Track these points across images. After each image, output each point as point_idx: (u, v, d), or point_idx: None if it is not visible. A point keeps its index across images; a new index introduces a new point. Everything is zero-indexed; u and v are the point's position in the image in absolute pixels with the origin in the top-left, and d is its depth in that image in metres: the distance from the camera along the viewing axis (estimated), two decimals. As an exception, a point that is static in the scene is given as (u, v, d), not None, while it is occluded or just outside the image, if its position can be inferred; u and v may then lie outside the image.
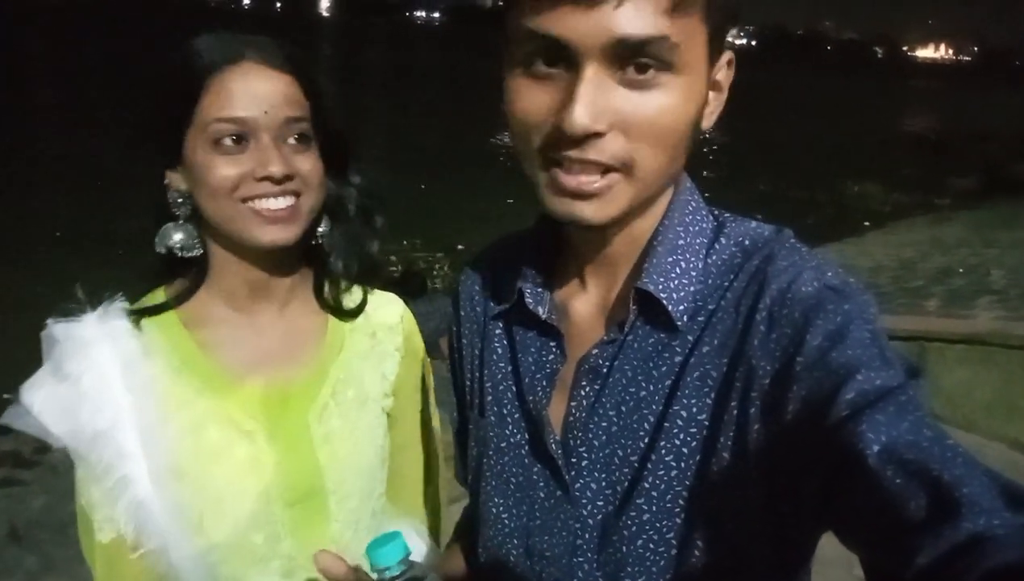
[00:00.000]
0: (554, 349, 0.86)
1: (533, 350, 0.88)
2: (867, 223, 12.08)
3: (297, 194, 1.00)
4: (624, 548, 0.78)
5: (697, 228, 0.81)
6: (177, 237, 1.03)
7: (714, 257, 0.80)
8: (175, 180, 1.03)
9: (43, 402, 0.97)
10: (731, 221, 0.83)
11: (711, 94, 0.76)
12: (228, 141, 0.96)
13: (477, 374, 0.95)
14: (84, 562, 1.06)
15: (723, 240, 0.81)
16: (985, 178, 16.17)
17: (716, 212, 0.85)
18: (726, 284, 0.77)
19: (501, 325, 0.93)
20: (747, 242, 0.79)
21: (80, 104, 15.96)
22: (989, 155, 18.36)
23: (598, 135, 0.69)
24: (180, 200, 1.03)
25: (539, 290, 0.87)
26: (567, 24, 0.67)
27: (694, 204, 0.83)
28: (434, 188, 11.41)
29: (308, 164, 1.01)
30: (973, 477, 0.54)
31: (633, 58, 0.68)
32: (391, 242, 8.13)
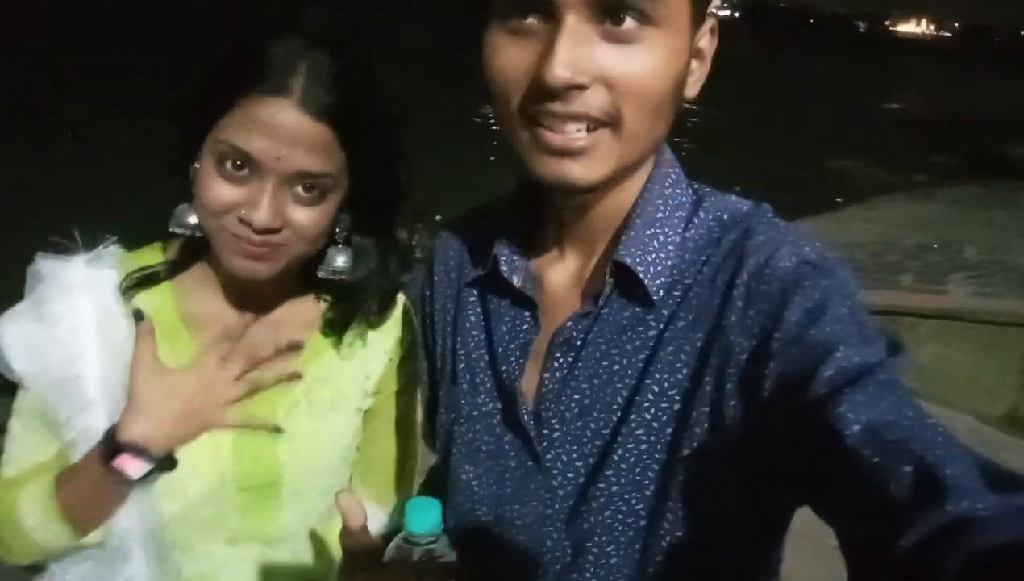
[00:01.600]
0: (528, 319, 0.85)
1: (507, 319, 0.87)
2: (842, 200, 12.15)
3: (283, 244, 0.94)
4: (592, 519, 0.78)
5: (676, 201, 0.81)
6: (192, 219, 0.99)
7: (692, 231, 0.79)
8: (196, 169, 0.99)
9: (13, 337, 0.96)
10: (710, 195, 0.82)
11: (694, 62, 0.75)
12: (230, 166, 0.90)
13: (450, 341, 0.95)
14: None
15: (702, 214, 0.80)
16: (965, 157, 16.28)
17: (695, 186, 0.84)
18: (703, 258, 0.77)
19: (476, 292, 0.92)
20: (725, 216, 0.79)
21: (86, 64, 15.60)
22: (970, 134, 18.48)
23: (580, 88, 0.68)
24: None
25: (515, 258, 0.86)
26: None
27: (674, 177, 0.82)
28: (416, 159, 11.28)
29: (310, 218, 0.94)
30: (955, 457, 0.54)
31: (613, 9, 0.67)
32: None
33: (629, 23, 0.67)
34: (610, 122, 0.70)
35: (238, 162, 0.90)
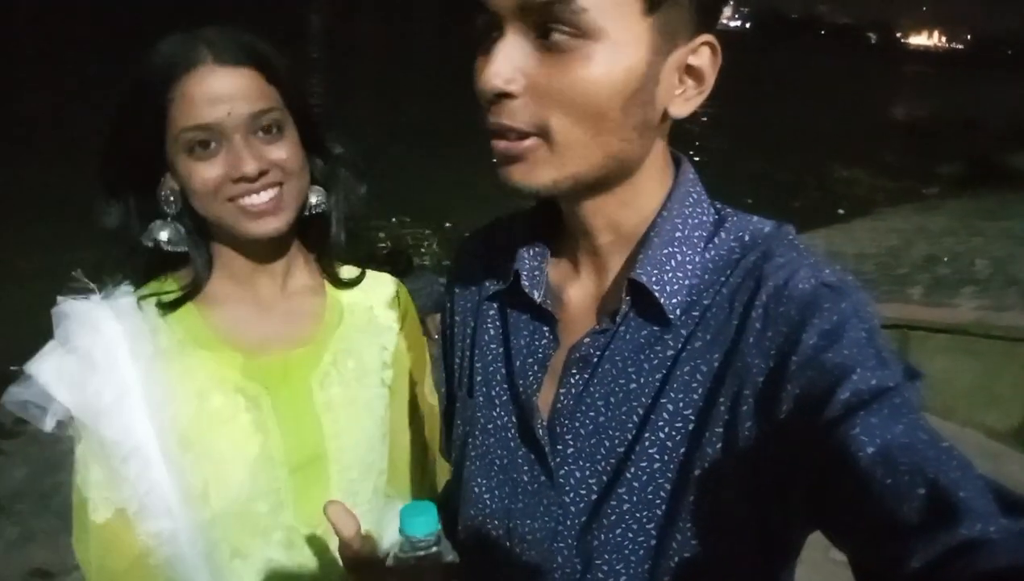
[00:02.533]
0: (547, 334, 0.86)
1: (526, 334, 0.88)
2: (849, 210, 12.12)
3: (279, 184, 1.02)
4: (603, 536, 0.78)
5: (696, 221, 0.80)
6: (164, 234, 1.06)
7: (712, 251, 0.79)
8: (168, 181, 1.05)
9: (51, 373, 0.99)
10: (732, 215, 0.82)
11: (689, 80, 0.74)
12: (199, 148, 0.99)
13: (468, 354, 0.95)
14: (64, 533, 1.06)
15: (723, 234, 0.79)
16: (973, 167, 16.22)
17: (718, 205, 0.83)
18: (722, 279, 0.76)
19: (495, 306, 0.92)
20: (746, 237, 0.78)
21: (65, 77, 15.73)
22: (978, 144, 18.43)
23: (510, 97, 0.70)
24: (172, 199, 1.06)
25: (535, 273, 0.86)
26: None
27: (695, 196, 0.82)
28: (423, 165, 11.34)
29: (284, 152, 1.03)
30: (968, 481, 0.54)
31: (543, 22, 0.68)
32: (379, 218, 8.09)
33: (559, 36, 0.68)
34: (539, 133, 0.71)
35: (203, 140, 0.99)
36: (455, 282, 1.00)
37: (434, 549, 0.78)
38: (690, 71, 0.74)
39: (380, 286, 1.22)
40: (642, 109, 0.73)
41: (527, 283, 0.85)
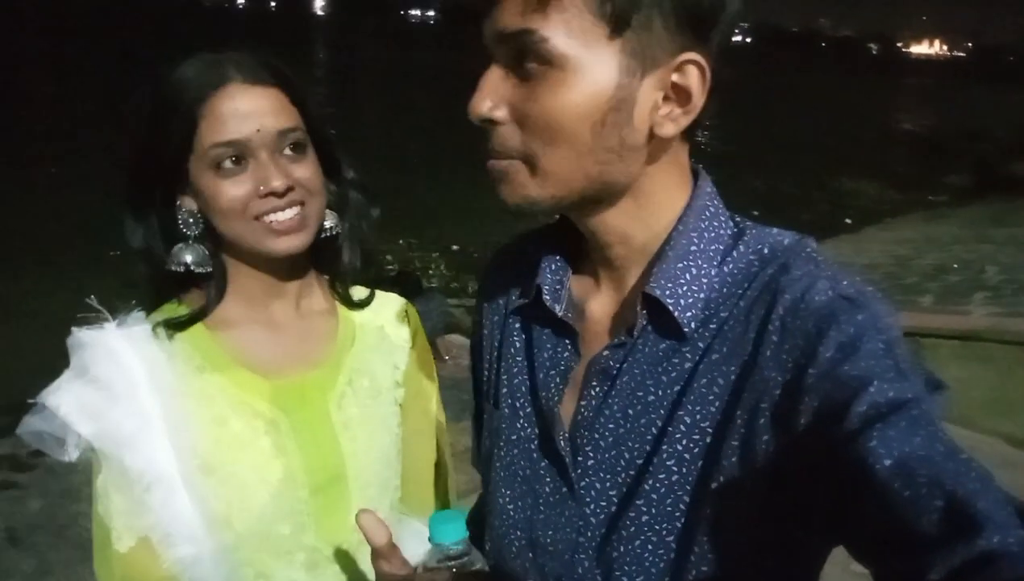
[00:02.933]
0: (569, 347, 0.86)
1: (549, 347, 0.89)
2: (857, 221, 12.10)
3: (302, 202, 1.04)
4: (622, 548, 0.78)
5: (713, 234, 0.81)
6: (188, 257, 1.07)
7: (731, 265, 0.79)
8: (186, 202, 1.07)
9: (70, 404, 0.99)
10: (751, 228, 0.82)
11: (673, 99, 0.74)
12: (228, 163, 1.01)
13: (495, 366, 0.96)
14: (81, 564, 1.06)
15: (741, 248, 0.80)
16: (979, 176, 16.19)
17: (737, 219, 0.84)
18: (740, 292, 0.77)
19: (520, 319, 0.93)
20: (766, 250, 0.78)
21: (74, 102, 15.89)
22: (983, 153, 18.39)
23: (495, 123, 0.75)
24: (191, 221, 1.07)
25: (557, 288, 0.87)
26: (486, 22, 0.74)
27: (712, 209, 0.82)
28: (430, 188, 11.39)
29: (307, 171, 1.05)
30: (987, 493, 0.54)
31: (516, 52, 0.72)
32: (387, 241, 8.12)
33: (530, 65, 0.72)
34: (523, 158, 0.75)
35: (233, 157, 1.01)
36: (483, 295, 1.02)
37: (464, 557, 0.79)
38: (676, 89, 0.74)
39: (390, 305, 1.23)
40: (616, 131, 0.73)
41: (548, 297, 0.86)
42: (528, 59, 0.72)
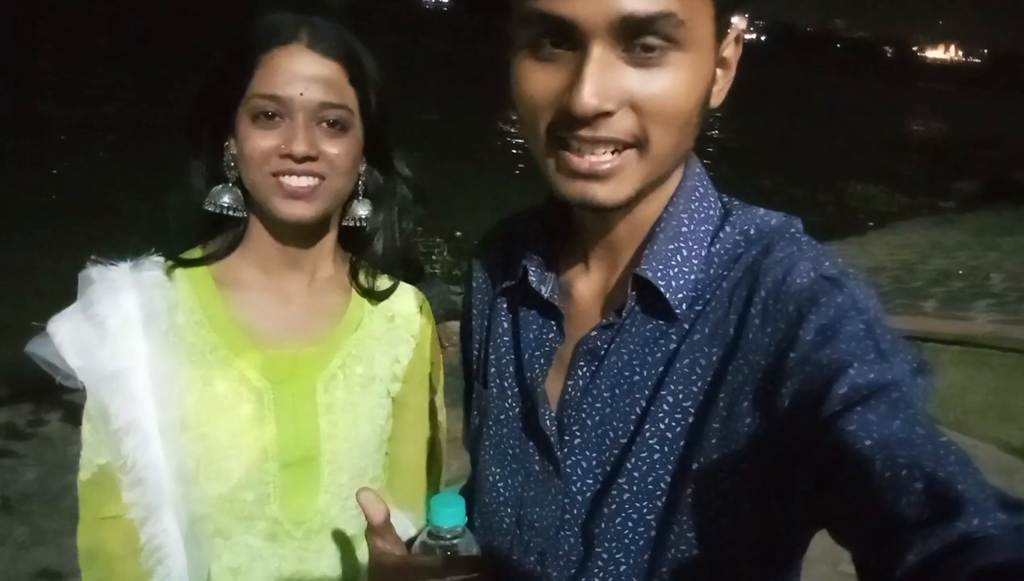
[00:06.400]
0: (554, 327, 0.87)
1: (534, 327, 0.89)
2: (864, 224, 12.07)
3: (322, 176, 1.04)
4: (603, 525, 0.79)
5: (703, 215, 0.81)
6: (226, 199, 1.09)
7: (718, 246, 0.79)
8: (231, 145, 1.08)
9: (65, 334, 1.02)
10: (738, 209, 0.82)
11: (719, 71, 0.76)
12: (264, 116, 1.02)
13: (483, 346, 0.97)
14: (74, 534, 1.07)
15: (728, 229, 0.80)
16: (988, 183, 16.13)
17: (725, 199, 0.84)
18: (725, 273, 0.77)
19: (507, 301, 0.94)
20: (752, 231, 0.79)
21: (91, 76, 15.88)
22: (993, 160, 18.32)
23: (608, 114, 0.69)
24: (232, 164, 1.09)
25: (543, 269, 0.87)
26: (573, 4, 0.67)
27: (701, 190, 0.82)
28: (435, 174, 11.35)
29: (338, 148, 1.05)
30: (967, 476, 0.53)
31: (639, 36, 0.67)
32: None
33: (654, 48, 0.68)
34: (636, 144, 0.71)
35: (270, 112, 1.02)
36: (473, 277, 1.02)
37: (458, 542, 0.79)
38: (722, 63, 0.76)
39: (406, 298, 1.22)
40: (704, 109, 0.74)
41: (534, 278, 0.86)
42: (650, 43, 0.68)
